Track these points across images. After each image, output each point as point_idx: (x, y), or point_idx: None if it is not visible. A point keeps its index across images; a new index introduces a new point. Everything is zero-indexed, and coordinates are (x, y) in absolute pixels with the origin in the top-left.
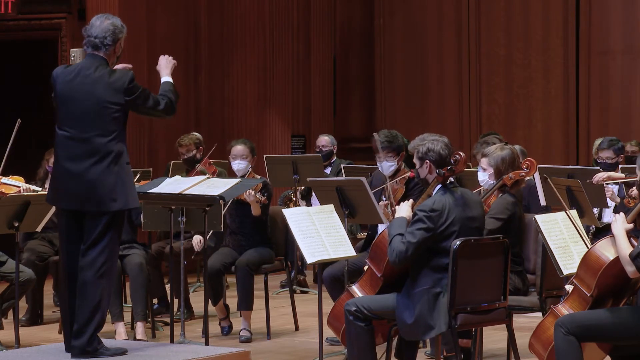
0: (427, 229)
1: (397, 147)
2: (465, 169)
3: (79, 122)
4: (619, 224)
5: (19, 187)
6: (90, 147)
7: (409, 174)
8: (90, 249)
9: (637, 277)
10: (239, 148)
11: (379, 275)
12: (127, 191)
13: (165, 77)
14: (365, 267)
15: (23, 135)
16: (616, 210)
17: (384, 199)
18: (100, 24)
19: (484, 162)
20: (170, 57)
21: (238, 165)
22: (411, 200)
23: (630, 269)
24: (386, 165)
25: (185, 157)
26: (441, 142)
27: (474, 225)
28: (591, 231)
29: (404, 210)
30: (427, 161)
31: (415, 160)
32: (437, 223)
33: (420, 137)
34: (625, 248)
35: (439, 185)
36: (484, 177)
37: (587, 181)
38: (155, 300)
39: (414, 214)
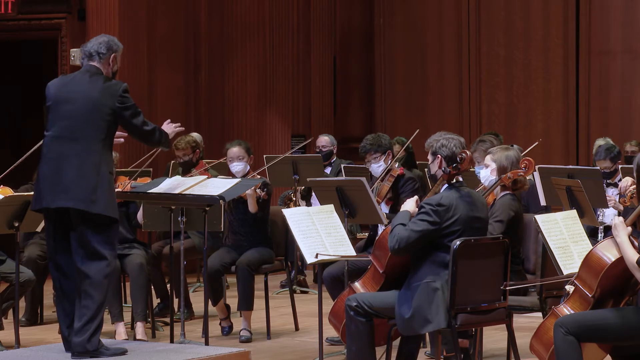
0: (432, 222)
1: (380, 147)
2: None
3: (70, 121)
4: (621, 229)
5: None
6: (78, 146)
7: (398, 171)
8: (92, 255)
9: None
10: (234, 150)
11: (381, 272)
12: (106, 197)
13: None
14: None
15: (23, 135)
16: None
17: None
18: (96, 40)
19: (487, 159)
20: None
21: (236, 167)
22: (416, 197)
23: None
24: (374, 167)
25: (182, 160)
26: (456, 140)
27: (478, 225)
28: (600, 234)
29: (409, 205)
30: (439, 156)
31: (429, 156)
32: (443, 218)
33: (438, 133)
34: (632, 255)
35: (446, 185)
36: (486, 174)
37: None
38: (158, 300)
39: (420, 207)
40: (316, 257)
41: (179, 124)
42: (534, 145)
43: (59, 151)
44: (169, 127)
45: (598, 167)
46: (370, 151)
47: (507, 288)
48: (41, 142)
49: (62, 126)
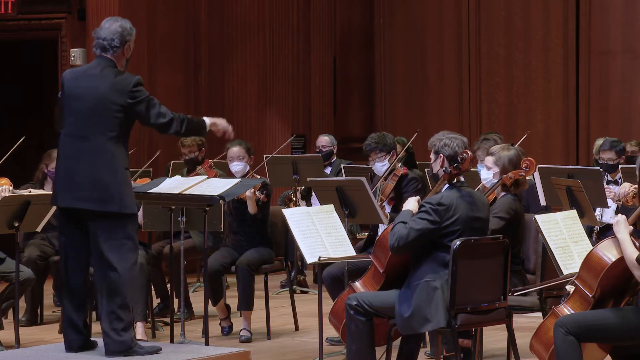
0: (433, 221)
1: (385, 146)
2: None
3: (80, 119)
4: (622, 227)
5: None
6: (88, 145)
7: (402, 170)
8: (112, 251)
9: None
10: (234, 150)
11: (381, 272)
12: (122, 195)
13: (207, 120)
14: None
15: (23, 135)
16: (618, 212)
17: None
18: (109, 26)
19: (489, 160)
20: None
21: (236, 167)
22: (418, 197)
23: (638, 273)
24: (378, 166)
25: (187, 157)
26: (459, 140)
27: (478, 225)
28: (595, 231)
29: (411, 204)
30: (441, 155)
31: (431, 155)
32: (443, 217)
33: (441, 132)
34: (632, 253)
35: (447, 185)
36: (488, 175)
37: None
38: (158, 300)
39: (421, 206)
40: (319, 260)
41: (230, 130)
42: (523, 138)
43: (71, 150)
44: (222, 122)
45: (598, 168)
46: (375, 150)
47: (516, 294)
48: (17, 145)
49: (73, 123)
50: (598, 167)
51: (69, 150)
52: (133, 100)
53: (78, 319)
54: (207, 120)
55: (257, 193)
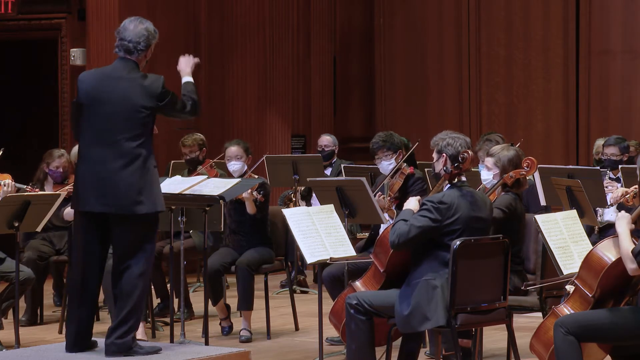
0: (434, 219)
1: (392, 145)
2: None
3: (108, 123)
4: (623, 222)
5: None
6: (118, 151)
7: (409, 170)
8: (132, 253)
9: (638, 275)
10: (233, 149)
11: (381, 271)
12: (154, 194)
13: (186, 78)
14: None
15: (23, 136)
16: (619, 209)
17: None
18: (134, 28)
19: (489, 161)
20: (191, 56)
21: (234, 166)
22: (419, 197)
23: (631, 265)
24: (385, 164)
25: (188, 157)
26: (462, 140)
27: (479, 225)
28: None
29: (412, 203)
30: (444, 154)
31: (434, 154)
32: (444, 216)
33: (444, 132)
34: (628, 245)
35: (448, 184)
36: (488, 176)
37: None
38: (158, 300)
39: (422, 204)
40: (330, 260)
41: (193, 57)
42: (518, 143)
43: (99, 155)
44: (187, 62)
45: (598, 168)
46: (383, 148)
47: (528, 288)
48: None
49: (99, 128)
50: (598, 167)
51: (96, 154)
52: (162, 102)
53: (85, 319)
54: (189, 78)
55: (254, 193)
